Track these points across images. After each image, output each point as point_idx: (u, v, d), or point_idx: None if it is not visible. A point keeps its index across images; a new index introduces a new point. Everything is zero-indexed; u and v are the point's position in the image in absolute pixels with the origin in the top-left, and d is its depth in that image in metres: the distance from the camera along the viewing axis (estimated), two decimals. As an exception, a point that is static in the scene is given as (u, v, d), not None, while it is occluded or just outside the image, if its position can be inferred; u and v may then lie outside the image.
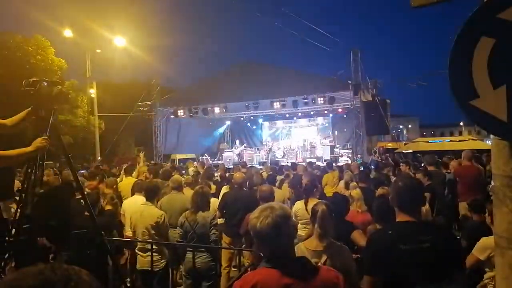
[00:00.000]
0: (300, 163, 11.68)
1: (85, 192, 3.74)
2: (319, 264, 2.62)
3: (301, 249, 2.84)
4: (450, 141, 24.80)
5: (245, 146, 22.99)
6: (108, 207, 5.10)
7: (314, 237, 2.94)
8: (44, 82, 2.78)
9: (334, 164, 15.36)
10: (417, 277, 2.06)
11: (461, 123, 62.32)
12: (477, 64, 1.64)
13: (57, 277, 0.75)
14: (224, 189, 6.66)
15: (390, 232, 2.26)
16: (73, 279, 0.77)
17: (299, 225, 5.15)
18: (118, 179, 7.56)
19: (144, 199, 4.90)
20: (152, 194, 4.80)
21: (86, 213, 3.19)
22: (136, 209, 4.82)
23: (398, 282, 2.10)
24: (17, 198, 2.83)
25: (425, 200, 5.09)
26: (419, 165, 9.18)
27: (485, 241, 3.36)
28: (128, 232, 5.16)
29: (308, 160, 15.77)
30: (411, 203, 2.25)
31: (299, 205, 5.16)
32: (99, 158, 20.08)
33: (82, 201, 3.19)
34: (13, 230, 2.57)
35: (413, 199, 2.25)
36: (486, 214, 3.78)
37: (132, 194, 5.90)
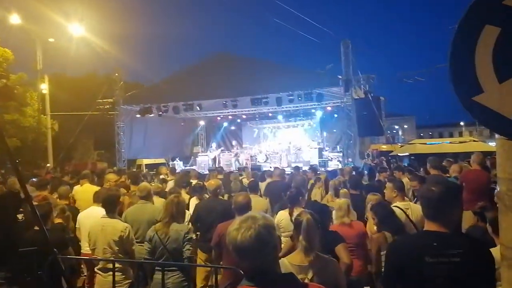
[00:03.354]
0: (281, 168, 11.59)
1: (35, 204, 3.63)
2: (306, 280, 2.62)
3: (285, 264, 2.83)
4: (450, 142, 25.42)
5: (222, 150, 22.93)
6: (58, 221, 4.97)
7: (299, 250, 2.93)
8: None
9: (323, 169, 15.41)
10: None
11: (462, 123, 63.79)
12: (481, 55, 1.66)
13: None
14: (194, 200, 6.57)
15: (411, 242, 2.27)
16: None
17: (282, 238, 5.13)
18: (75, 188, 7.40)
19: (103, 210, 4.80)
20: (111, 205, 4.71)
21: (36, 228, 3.10)
22: (95, 222, 4.70)
23: None
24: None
25: (462, 208, 5.09)
26: (416, 169, 9.30)
27: None
28: (85, 249, 5.04)
29: (293, 165, 15.83)
30: (439, 211, 2.19)
31: (282, 215, 5.13)
32: (48, 164, 19.58)
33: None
34: None
35: (441, 206, 2.19)
36: (487, 224, 3.80)
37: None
